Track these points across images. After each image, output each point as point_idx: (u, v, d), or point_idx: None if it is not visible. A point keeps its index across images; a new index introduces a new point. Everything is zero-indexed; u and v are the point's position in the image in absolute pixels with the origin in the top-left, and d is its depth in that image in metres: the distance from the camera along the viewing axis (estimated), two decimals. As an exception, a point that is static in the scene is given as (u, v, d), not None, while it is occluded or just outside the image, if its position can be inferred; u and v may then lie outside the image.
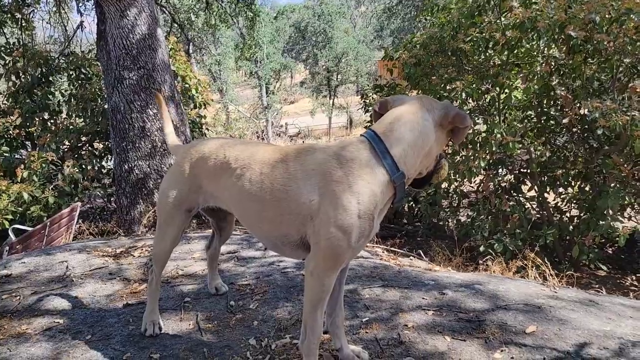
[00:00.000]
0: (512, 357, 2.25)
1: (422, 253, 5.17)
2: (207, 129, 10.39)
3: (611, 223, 5.58)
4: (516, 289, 2.99)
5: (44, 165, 7.38)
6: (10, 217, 6.67)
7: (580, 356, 2.22)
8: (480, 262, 5.76)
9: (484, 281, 3.13)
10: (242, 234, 4.74)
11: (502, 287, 2.98)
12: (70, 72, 9.10)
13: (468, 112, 6.90)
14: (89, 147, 8.72)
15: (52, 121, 8.80)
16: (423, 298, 2.90)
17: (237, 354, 2.45)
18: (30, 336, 2.69)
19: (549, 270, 4.79)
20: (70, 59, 9.09)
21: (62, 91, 9.33)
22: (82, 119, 8.74)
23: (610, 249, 7.09)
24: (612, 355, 2.22)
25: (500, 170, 6.91)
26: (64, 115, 9.05)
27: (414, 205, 8.26)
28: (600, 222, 5.68)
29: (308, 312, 2.09)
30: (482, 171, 6.32)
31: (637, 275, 6.20)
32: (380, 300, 2.95)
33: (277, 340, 2.54)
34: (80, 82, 9.01)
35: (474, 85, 6.43)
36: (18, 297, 3.18)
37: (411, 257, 4.43)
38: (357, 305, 2.91)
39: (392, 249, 4.89)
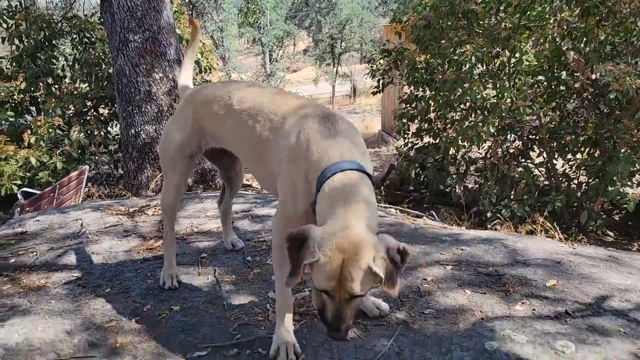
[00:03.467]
0: (533, 309, 2.26)
1: (434, 214, 5.17)
2: (213, 95, 10.26)
3: (620, 189, 5.56)
4: (534, 245, 2.99)
5: (50, 130, 7.33)
6: (18, 182, 6.65)
7: (602, 308, 2.22)
8: (489, 226, 5.76)
9: (502, 238, 3.12)
10: (254, 193, 4.73)
11: (520, 244, 2.98)
12: (74, 36, 8.97)
13: (477, 76, 6.79)
14: (94, 113, 8.65)
15: (56, 86, 8.71)
16: (441, 253, 2.89)
17: (257, 306, 2.46)
18: (49, 289, 2.71)
19: (559, 235, 4.79)
20: (74, 22, 8.94)
21: (66, 55, 9.20)
22: (86, 84, 8.65)
23: (617, 216, 7.08)
24: (635, 307, 2.22)
25: (509, 136, 6.85)
26: (67, 80, 8.95)
27: (420, 171, 8.21)
28: (610, 188, 5.65)
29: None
30: (490, 137, 6.28)
31: (644, 241, 6.21)
32: (398, 256, 2.94)
33: (296, 293, 2.54)
34: (84, 46, 8.88)
35: (484, 49, 6.33)
36: (35, 253, 3.19)
37: (424, 218, 4.42)
38: (375, 261, 2.91)
39: (405, 209, 4.88)
